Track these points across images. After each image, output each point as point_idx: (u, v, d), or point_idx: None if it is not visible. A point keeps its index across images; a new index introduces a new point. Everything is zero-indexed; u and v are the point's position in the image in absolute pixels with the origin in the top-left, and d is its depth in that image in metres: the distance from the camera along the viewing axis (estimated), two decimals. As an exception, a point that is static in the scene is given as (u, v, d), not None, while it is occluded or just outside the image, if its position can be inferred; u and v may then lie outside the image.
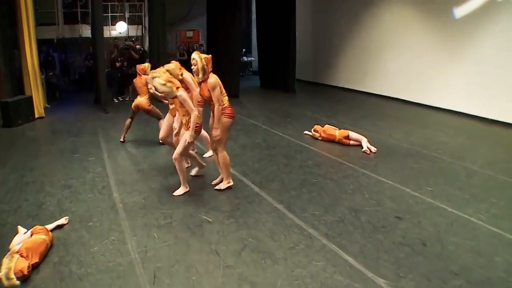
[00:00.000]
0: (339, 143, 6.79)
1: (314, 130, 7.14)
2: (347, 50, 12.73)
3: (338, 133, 6.83)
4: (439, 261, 3.44)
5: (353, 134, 6.71)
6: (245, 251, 3.56)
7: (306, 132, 7.39)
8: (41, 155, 6.37)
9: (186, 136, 4.52)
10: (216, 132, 4.57)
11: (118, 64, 10.49)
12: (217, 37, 11.90)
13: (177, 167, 4.66)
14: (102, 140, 7.19)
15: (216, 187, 4.86)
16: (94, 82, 10.88)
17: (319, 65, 14.00)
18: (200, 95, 4.81)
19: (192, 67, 4.55)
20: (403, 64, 10.72)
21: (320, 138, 7.02)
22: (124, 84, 10.85)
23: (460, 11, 9.13)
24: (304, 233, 3.89)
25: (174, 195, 4.72)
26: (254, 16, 14.68)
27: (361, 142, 6.59)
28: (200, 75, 4.51)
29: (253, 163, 5.84)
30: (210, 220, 4.11)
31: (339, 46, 12.95)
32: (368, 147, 6.38)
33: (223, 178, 4.88)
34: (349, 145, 6.69)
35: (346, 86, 12.97)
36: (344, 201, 4.62)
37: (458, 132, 7.76)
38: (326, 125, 7.10)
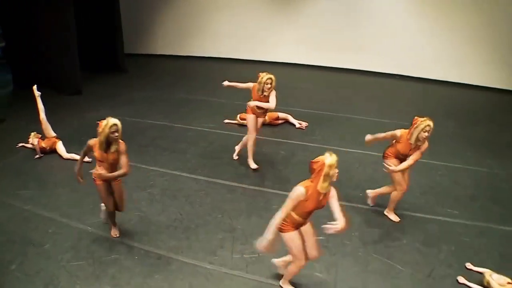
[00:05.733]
0: (269, 124, 7.37)
1: (241, 118, 7.29)
2: (165, 14, 12.24)
3: (267, 116, 7.40)
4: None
5: (281, 114, 7.44)
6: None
7: (228, 121, 7.54)
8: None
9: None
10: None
11: None
12: (33, 14, 8.93)
13: None
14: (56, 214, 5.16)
15: None
16: None
17: (131, 33, 12.87)
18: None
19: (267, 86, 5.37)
20: (234, 26, 11.51)
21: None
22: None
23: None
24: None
25: None
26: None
27: (288, 120, 7.46)
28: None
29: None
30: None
31: (155, 10, 12.27)
32: (299, 123, 7.34)
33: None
34: (277, 124, 7.43)
35: (167, 53, 12.72)
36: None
37: (327, 85, 9.87)
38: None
